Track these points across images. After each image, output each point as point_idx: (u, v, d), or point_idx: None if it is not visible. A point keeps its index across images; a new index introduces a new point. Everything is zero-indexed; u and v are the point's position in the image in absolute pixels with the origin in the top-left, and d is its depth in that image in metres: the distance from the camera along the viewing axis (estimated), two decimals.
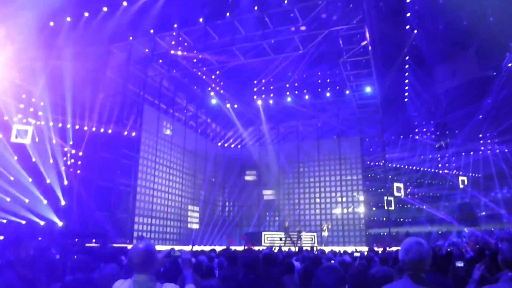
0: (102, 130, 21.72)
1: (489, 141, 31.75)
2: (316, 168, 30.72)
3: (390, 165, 34.06)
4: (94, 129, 21.53)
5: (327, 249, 15.09)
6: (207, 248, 13.60)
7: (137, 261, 2.81)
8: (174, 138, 26.87)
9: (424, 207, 31.58)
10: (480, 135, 31.58)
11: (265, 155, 32.00)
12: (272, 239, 24.53)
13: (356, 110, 29.16)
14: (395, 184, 26.74)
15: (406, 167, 35.12)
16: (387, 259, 6.53)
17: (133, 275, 2.87)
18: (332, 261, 7.70)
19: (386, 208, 26.54)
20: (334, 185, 30.13)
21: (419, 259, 2.73)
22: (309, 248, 13.97)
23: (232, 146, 34.36)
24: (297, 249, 15.62)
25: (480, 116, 28.66)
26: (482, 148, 32.19)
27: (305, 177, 30.99)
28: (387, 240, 27.32)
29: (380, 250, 15.29)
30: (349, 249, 15.94)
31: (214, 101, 30.10)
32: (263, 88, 28.30)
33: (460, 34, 22.04)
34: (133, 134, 23.47)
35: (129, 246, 12.29)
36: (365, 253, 10.52)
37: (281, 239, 23.17)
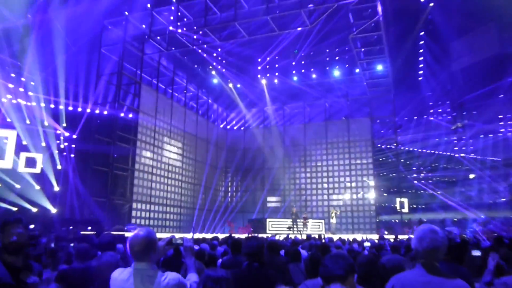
0: (97, 111, 21.65)
1: (509, 122, 31.62)
2: (324, 151, 30.92)
3: (402, 148, 34.16)
4: (88, 110, 21.44)
5: (335, 237, 15.18)
6: (209, 235, 13.80)
7: (138, 249, 2.82)
8: (173, 119, 27.00)
9: (439, 193, 31.64)
10: (500, 116, 31.36)
11: (270, 138, 32.29)
12: (277, 227, 24.73)
13: (367, 89, 29.27)
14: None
15: (419, 150, 35.11)
16: (398, 247, 6.55)
17: (133, 263, 2.88)
18: (341, 249, 7.72)
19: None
20: (342, 169, 30.30)
21: (433, 247, 2.73)
22: (316, 236, 14.05)
23: (235, 128, 34.58)
24: (304, 236, 16.07)
25: (501, 96, 28.26)
26: (502, 130, 31.99)
27: (312, 160, 31.21)
28: (398, 227, 27.64)
29: (391, 237, 15.37)
30: (359, 237, 16.09)
31: (215, 81, 30.09)
32: (267, 66, 28.22)
33: (479, 6, 21.66)
34: (130, 116, 23.39)
35: (128, 234, 12.39)
36: (376, 241, 10.61)
37: (289, 228, 23.33)
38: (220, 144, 32.97)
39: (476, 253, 4.52)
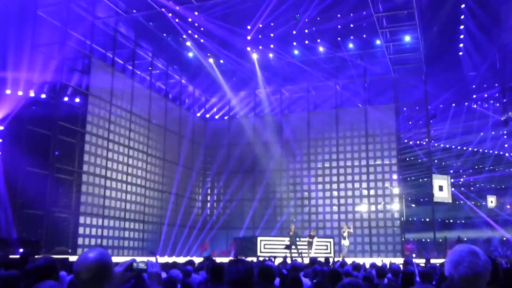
0: (32, 94, 21.49)
1: None
2: (334, 148, 31.13)
3: (436, 145, 34.51)
4: (20, 93, 21.22)
5: (348, 260, 15.57)
6: (181, 259, 14.29)
7: (86, 276, 2.82)
8: (135, 106, 27.30)
9: (484, 203, 32.02)
10: None
11: (263, 130, 32.47)
12: (271, 247, 25.03)
13: (391, 68, 29.45)
14: (436, 181, 26.88)
15: (459, 148, 35.51)
16: (430, 274, 6.68)
17: None
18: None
19: (435, 195, 26.92)
20: (358, 172, 30.54)
21: (473, 274, 2.74)
22: (323, 260, 14.26)
23: (217, 117, 34.84)
24: (307, 260, 16.84)
25: None
26: None
27: (318, 161, 31.43)
28: (430, 249, 27.95)
29: (421, 262, 15.87)
30: (378, 261, 16.29)
31: (191, 55, 30.35)
32: (259, 36, 28.47)
33: None
34: (77, 100, 23.51)
35: (73, 258, 12.47)
36: (401, 266, 10.76)
37: (287, 248, 23.66)
38: (197, 138, 33.11)
39: None
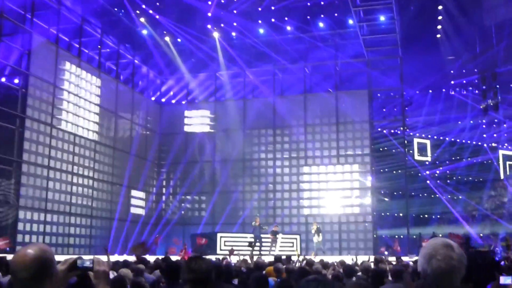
0: None
1: None
2: (302, 137, 31.35)
3: (412, 134, 34.89)
4: None
5: (316, 259, 15.84)
6: (133, 258, 14.18)
7: (25, 276, 2.74)
8: (82, 88, 27.10)
9: (461, 197, 32.85)
10: None
11: (224, 116, 32.79)
12: (232, 244, 24.38)
13: (364, 50, 29.71)
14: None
15: (435, 137, 35.85)
16: (401, 272, 6.79)
17: None
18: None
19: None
20: (327, 162, 30.83)
21: (447, 268, 2.77)
22: (287, 257, 14.55)
23: (174, 101, 34.86)
24: (269, 258, 16.53)
25: None
26: None
27: (285, 150, 31.78)
28: (403, 246, 28.31)
29: (392, 259, 16.10)
30: (348, 259, 16.59)
31: (145, 32, 30.04)
32: (221, 12, 28.48)
33: None
34: (16, 81, 23.22)
35: (10, 256, 12.42)
36: (371, 265, 11.08)
37: (250, 245, 23.92)
38: (151, 124, 33.19)
39: (508, 280, 4.37)
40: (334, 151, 30.73)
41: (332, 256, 23.61)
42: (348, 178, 30.33)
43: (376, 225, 30.08)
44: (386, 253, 26.22)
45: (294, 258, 17.44)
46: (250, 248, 23.61)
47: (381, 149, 33.44)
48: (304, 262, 13.39)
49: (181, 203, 32.97)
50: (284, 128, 31.82)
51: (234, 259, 16.42)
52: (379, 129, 32.29)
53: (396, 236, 30.45)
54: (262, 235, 25.03)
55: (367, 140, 30.32)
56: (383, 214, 32.54)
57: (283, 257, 14.47)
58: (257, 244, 24.16)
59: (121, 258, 16.25)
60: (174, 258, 14.92)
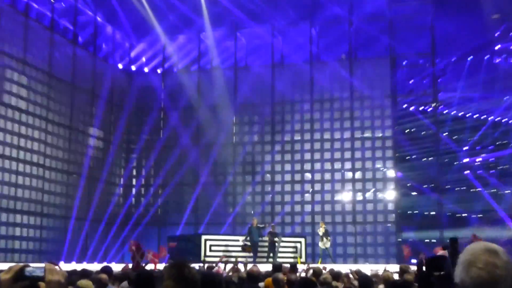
0: None
1: None
2: (307, 115, 31.43)
3: (446, 112, 34.66)
4: None
5: (324, 268, 15.66)
6: (95, 266, 14.87)
7: None
8: (30, 53, 27.04)
9: (507, 192, 32.13)
10: None
11: (210, 89, 32.65)
12: (221, 249, 25.28)
13: (385, 4, 29.88)
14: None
15: (475, 117, 35.33)
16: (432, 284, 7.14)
17: None
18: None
19: (439, 192, 27.88)
20: (339, 148, 30.77)
21: (490, 278, 2.86)
22: (291, 266, 14.28)
23: (146, 70, 34.64)
24: (267, 267, 16.95)
25: None
26: None
27: (286, 132, 31.67)
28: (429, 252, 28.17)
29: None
30: (365, 268, 17.82)
31: None
32: None
33: None
34: None
35: None
36: (394, 275, 11.81)
37: (244, 249, 24.48)
38: (118, 99, 33.07)
39: None
40: (348, 134, 30.63)
41: (345, 265, 23.66)
42: (365, 167, 30.45)
43: (401, 226, 29.97)
44: (414, 261, 25.88)
45: (300, 267, 18.80)
46: (245, 254, 24.06)
47: (406, 131, 33.22)
48: (311, 271, 13.58)
49: (156, 198, 32.91)
50: (284, 104, 31.97)
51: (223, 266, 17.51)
52: (405, 106, 32.33)
53: (426, 240, 30.06)
54: (260, 239, 25.57)
55: (389, 119, 30.34)
56: (409, 212, 32.36)
57: (286, 265, 14.61)
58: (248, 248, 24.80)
59: (80, 266, 16.40)
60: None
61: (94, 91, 31.06)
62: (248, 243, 24.98)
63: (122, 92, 33.34)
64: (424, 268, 7.67)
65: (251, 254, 24.49)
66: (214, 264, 17.96)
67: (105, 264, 18.10)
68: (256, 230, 25.13)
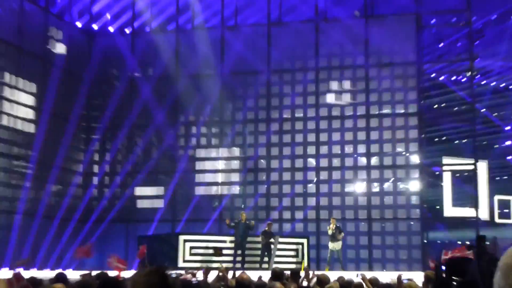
0: None
1: None
2: (311, 87, 31.15)
3: (484, 83, 34.43)
4: None
5: (333, 275, 15.36)
6: (47, 273, 15.08)
7: None
8: None
9: None
10: None
11: (191, 54, 32.37)
12: (203, 253, 25.43)
13: None
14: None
15: None
16: None
17: None
18: None
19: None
20: (351, 127, 30.77)
21: None
22: (287, 273, 13.50)
23: (112, 29, 34.14)
24: (262, 275, 16.64)
25: None
26: None
27: (284, 107, 31.64)
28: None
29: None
30: (383, 275, 17.32)
31: None
32: None
33: None
34: None
35: None
36: (418, 285, 11.75)
37: (215, 251, 24.19)
38: (76, 66, 32.51)
39: None
40: (362, 109, 30.41)
41: (358, 272, 21.57)
42: (383, 151, 30.26)
43: (427, 224, 29.75)
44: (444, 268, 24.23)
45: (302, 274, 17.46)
46: (217, 258, 24.00)
47: (435, 106, 32.85)
48: (315, 279, 13.55)
49: (124, 189, 32.54)
50: (283, 72, 31.75)
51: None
52: (433, 75, 32.15)
53: (459, 242, 29.18)
54: (250, 238, 25.84)
55: (413, 91, 30.00)
56: (438, 207, 31.45)
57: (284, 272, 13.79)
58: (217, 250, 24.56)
59: (28, 273, 15.63)
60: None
61: (47, 56, 30.66)
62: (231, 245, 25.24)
63: (81, 57, 32.72)
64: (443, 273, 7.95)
65: (227, 258, 24.51)
66: (195, 272, 16.46)
67: (59, 270, 17.57)
68: (243, 225, 25.10)
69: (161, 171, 32.50)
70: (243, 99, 31.83)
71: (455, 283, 7.53)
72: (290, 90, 31.11)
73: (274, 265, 23.01)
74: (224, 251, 24.76)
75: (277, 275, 12.13)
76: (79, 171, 32.69)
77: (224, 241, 25.53)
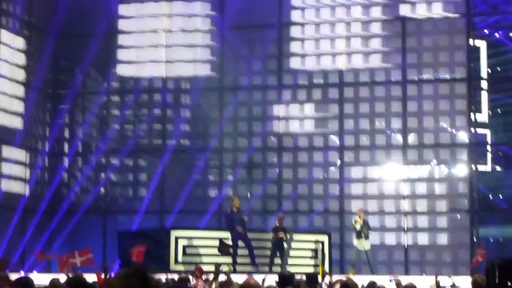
0: None
1: None
2: (326, 45, 32.02)
3: None
4: None
5: (361, 280, 15.81)
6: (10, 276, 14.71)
7: None
8: None
9: None
10: None
11: (183, 3, 33.28)
12: (201, 252, 26.20)
13: None
14: None
15: None
16: None
17: None
18: None
19: None
20: (383, 97, 31.67)
21: None
22: (303, 278, 14.69)
23: None
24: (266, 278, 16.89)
25: None
26: None
27: (300, 72, 32.37)
28: None
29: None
30: (423, 281, 18.79)
31: None
32: None
33: None
34: None
35: None
36: None
37: (220, 249, 25.19)
38: (39, 19, 33.37)
39: None
40: (397, 75, 31.01)
41: (391, 276, 23.10)
42: (423, 127, 30.94)
43: (478, 217, 30.09)
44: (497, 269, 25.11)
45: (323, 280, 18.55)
46: (224, 258, 24.35)
47: (489, 70, 32.54)
48: (338, 286, 13.38)
49: (100, 172, 33.21)
50: (299, 27, 32.17)
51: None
52: (486, 31, 32.32)
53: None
54: (257, 235, 26.65)
55: (461, 52, 30.64)
56: (491, 197, 32.01)
57: (299, 276, 14.77)
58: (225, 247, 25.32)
59: None
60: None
61: (1, 7, 30.90)
62: (230, 242, 25.27)
63: (45, 9, 33.14)
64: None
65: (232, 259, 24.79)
66: (189, 276, 17.51)
67: (22, 274, 18.10)
68: (238, 214, 25.34)
69: (147, 151, 33.00)
70: (249, 60, 31.81)
71: None
72: (303, 48, 31.58)
73: (288, 268, 23.93)
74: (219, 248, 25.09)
75: (284, 279, 12.45)
76: (45, 151, 32.82)
77: (227, 238, 25.39)
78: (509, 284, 6.46)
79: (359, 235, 26.00)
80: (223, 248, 24.57)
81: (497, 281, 6.85)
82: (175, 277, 17.58)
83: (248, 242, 25.27)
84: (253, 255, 25.02)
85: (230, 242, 25.27)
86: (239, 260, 25.23)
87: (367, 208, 29.40)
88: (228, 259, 24.35)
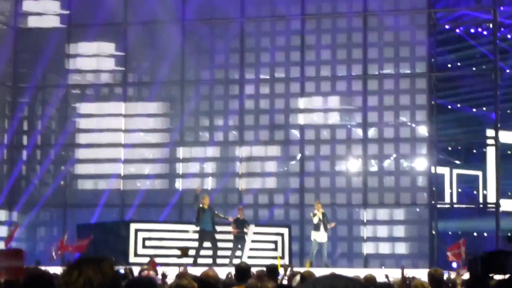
0: None
1: None
2: (296, 39, 32.45)
3: (510, 37, 34.97)
4: None
5: (318, 272, 14.65)
6: None
7: None
8: None
9: None
10: None
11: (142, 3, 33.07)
12: (160, 245, 26.80)
13: None
14: None
15: None
16: None
17: None
18: None
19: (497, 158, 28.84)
20: (345, 91, 32.07)
21: None
22: (263, 269, 14.97)
23: None
24: (225, 271, 17.95)
25: None
26: None
27: (262, 65, 33.10)
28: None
29: (462, 273, 16.02)
30: (380, 273, 17.35)
31: None
32: None
33: None
34: None
35: None
36: (424, 284, 11.83)
37: (182, 252, 24.28)
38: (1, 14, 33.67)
39: None
40: (358, 69, 31.64)
41: (351, 269, 25.28)
42: (383, 121, 31.53)
43: (437, 211, 30.57)
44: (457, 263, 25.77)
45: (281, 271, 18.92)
46: (181, 261, 23.56)
47: (449, 65, 33.21)
48: (297, 278, 13.89)
49: (60, 165, 33.63)
50: (260, 21, 33.25)
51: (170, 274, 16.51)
52: (447, 27, 33.00)
53: (475, 234, 31.12)
54: (217, 227, 26.33)
55: (422, 46, 31.44)
56: (450, 191, 32.44)
57: (258, 268, 15.38)
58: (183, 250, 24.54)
59: None
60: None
61: None
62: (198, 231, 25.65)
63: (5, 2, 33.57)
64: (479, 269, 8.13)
65: (191, 260, 24.77)
66: (145, 267, 18.05)
67: None
68: (210, 214, 25.66)
69: (107, 143, 32.81)
70: (211, 53, 32.67)
71: (492, 281, 7.87)
72: (269, 43, 32.04)
73: (249, 260, 23.50)
74: (187, 243, 25.01)
75: (241, 272, 12.74)
76: (3, 143, 33.30)
77: (186, 231, 26.07)
78: (494, 277, 7.07)
79: (316, 228, 26.39)
80: (183, 251, 24.05)
81: (480, 273, 7.71)
82: (135, 269, 17.88)
83: (214, 242, 25.69)
84: (216, 254, 25.52)
85: (195, 236, 25.60)
86: (201, 252, 25.53)
87: (334, 201, 30.49)
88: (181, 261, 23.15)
